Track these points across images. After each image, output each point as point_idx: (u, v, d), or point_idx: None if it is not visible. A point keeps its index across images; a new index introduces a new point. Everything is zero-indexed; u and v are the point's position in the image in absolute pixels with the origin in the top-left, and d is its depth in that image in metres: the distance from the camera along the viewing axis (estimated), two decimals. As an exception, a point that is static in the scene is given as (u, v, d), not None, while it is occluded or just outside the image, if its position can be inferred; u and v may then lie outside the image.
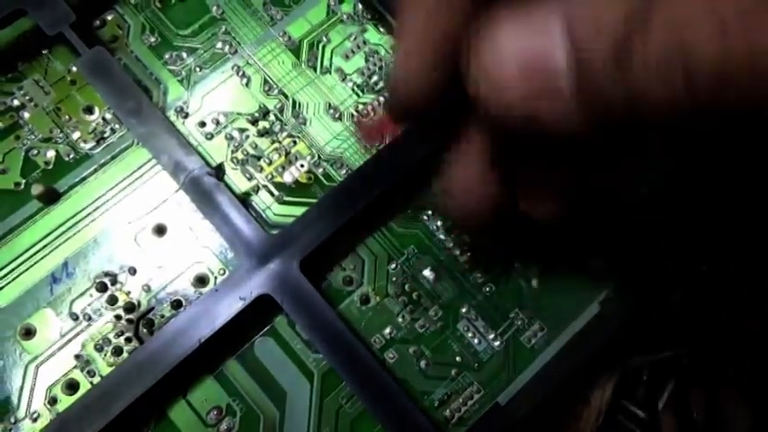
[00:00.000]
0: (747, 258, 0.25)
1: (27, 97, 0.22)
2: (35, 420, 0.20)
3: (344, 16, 0.24)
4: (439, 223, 0.22)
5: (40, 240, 0.21)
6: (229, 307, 0.20)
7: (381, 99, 0.23)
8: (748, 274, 0.25)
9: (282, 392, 0.20)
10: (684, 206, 0.23)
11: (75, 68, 0.22)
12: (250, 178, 0.22)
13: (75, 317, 0.20)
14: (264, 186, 0.22)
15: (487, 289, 0.22)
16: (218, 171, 0.21)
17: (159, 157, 0.21)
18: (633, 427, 0.28)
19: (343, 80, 0.23)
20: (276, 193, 0.22)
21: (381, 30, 0.24)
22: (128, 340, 0.20)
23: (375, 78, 0.24)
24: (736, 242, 0.24)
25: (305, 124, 0.23)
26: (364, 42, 0.24)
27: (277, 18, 0.24)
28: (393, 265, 0.22)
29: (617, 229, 0.22)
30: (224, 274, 0.21)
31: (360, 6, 0.24)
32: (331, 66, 0.24)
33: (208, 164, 0.21)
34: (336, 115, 0.23)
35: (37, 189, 0.21)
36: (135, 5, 0.24)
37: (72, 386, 0.20)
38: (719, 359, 0.26)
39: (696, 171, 0.23)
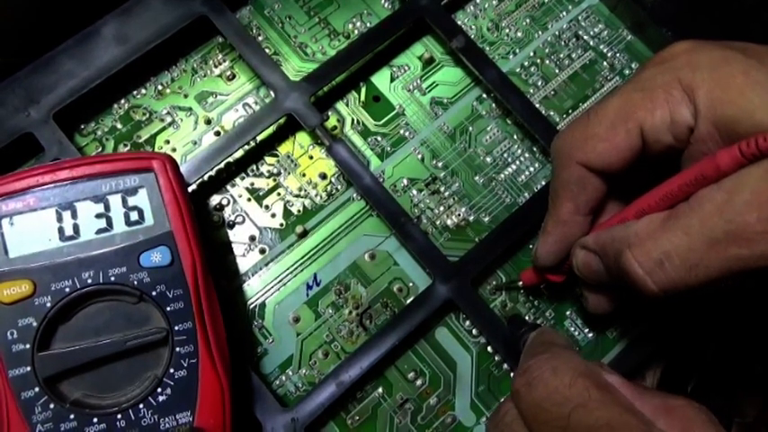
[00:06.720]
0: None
1: (283, 166, 0.34)
2: (302, 374, 0.31)
3: (483, 112, 0.36)
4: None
5: (299, 260, 0.33)
6: (423, 308, 0.31)
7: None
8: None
9: (453, 362, 0.32)
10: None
11: (321, 152, 0.34)
12: (426, 223, 0.34)
13: (322, 311, 0.32)
14: (436, 228, 0.34)
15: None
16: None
17: (376, 207, 0.33)
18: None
19: (485, 156, 0.35)
20: (443, 233, 0.34)
21: (509, 122, 0.36)
22: (356, 327, 0.32)
23: (506, 156, 0.35)
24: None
25: (460, 186, 0.35)
26: (498, 131, 0.36)
27: (439, 114, 0.36)
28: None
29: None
30: (412, 285, 0.33)
31: (494, 105, 0.36)
32: (477, 146, 0.35)
33: (405, 212, 0.33)
34: (481, 181, 0.35)
35: (299, 229, 0.33)
36: (346, 104, 0.36)
37: (325, 353, 0.32)
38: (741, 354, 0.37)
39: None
